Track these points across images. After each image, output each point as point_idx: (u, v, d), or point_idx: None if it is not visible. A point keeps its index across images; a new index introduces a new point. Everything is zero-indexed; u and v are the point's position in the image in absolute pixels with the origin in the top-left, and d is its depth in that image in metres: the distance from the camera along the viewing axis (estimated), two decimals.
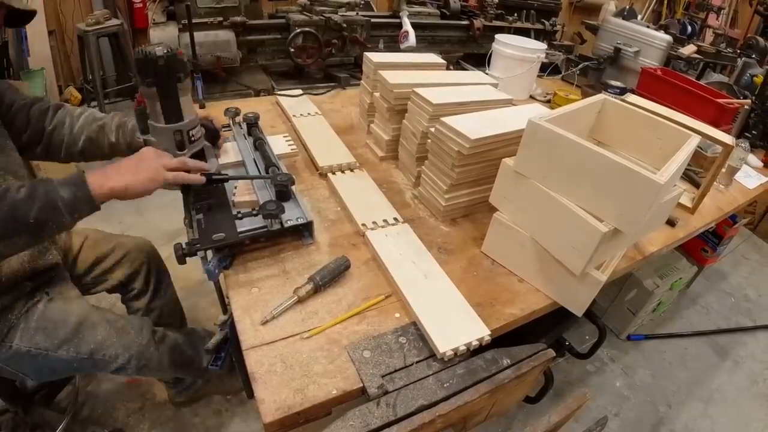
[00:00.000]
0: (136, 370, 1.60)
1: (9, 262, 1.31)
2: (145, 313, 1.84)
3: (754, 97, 2.50)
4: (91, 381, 2.17)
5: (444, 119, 1.44)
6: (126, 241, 1.80)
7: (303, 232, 1.35)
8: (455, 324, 1.12)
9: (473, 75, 2.01)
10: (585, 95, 2.51)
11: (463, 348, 1.07)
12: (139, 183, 1.12)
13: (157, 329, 1.70)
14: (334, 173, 1.66)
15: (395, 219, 1.46)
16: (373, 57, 1.88)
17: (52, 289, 1.49)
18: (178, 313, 2.03)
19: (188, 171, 1.22)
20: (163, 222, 3.21)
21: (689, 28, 5.06)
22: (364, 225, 1.41)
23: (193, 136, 1.26)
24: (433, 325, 1.09)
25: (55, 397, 2.05)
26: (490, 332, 1.11)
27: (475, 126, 1.41)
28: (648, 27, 3.00)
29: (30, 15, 1.35)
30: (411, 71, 1.84)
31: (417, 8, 3.63)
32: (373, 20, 3.26)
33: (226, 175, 1.36)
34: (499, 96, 1.71)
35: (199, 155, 1.31)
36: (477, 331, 1.11)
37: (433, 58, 2.07)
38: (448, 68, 2.04)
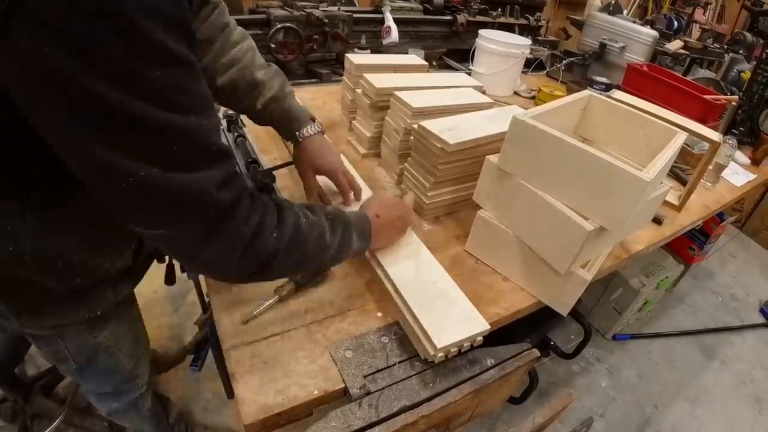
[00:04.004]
0: (136, 407, 1.54)
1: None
2: None
3: (741, 93, 2.50)
4: None
5: (423, 123, 1.42)
6: None
7: None
8: (449, 323, 1.06)
9: (456, 77, 1.99)
10: (570, 91, 2.48)
11: (454, 350, 1.04)
12: (393, 244, 1.19)
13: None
14: None
15: None
16: (354, 59, 1.85)
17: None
18: None
19: None
20: None
21: (676, 24, 5.05)
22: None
23: None
24: (430, 324, 1.03)
25: (55, 387, 2.04)
26: (489, 326, 1.07)
27: (455, 130, 1.39)
28: (634, 22, 2.98)
29: None
30: (393, 75, 1.80)
31: (399, 3, 3.58)
32: (355, 15, 3.21)
33: None
34: (481, 99, 1.71)
35: None
36: (476, 326, 1.06)
37: (415, 59, 2.04)
38: (431, 64, 2.01)
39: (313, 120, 1.31)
